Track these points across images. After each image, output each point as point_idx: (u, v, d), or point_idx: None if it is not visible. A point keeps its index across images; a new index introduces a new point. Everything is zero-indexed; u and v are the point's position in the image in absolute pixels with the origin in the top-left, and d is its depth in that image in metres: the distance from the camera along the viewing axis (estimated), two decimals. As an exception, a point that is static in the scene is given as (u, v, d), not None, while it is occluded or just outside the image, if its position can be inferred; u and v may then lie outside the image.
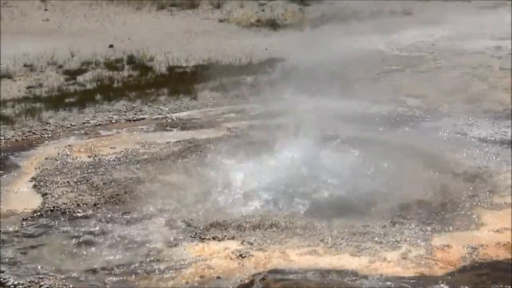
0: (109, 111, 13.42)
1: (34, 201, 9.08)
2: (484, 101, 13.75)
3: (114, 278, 7.17)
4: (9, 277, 7.13)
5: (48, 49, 19.48)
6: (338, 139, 10.25)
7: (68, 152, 10.91)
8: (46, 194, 9.28)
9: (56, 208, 8.80)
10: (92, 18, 25.84)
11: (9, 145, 11.36)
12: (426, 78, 15.69)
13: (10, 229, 8.24)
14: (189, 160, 10.41)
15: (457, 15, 25.05)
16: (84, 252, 7.71)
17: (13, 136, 11.82)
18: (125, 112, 13.38)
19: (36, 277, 7.16)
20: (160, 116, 13.12)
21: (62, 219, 8.51)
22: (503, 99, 13.69)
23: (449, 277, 7.09)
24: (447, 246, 7.71)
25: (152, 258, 7.55)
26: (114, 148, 11.07)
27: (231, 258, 7.52)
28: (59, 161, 10.52)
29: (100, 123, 12.67)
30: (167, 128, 12.31)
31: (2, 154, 10.85)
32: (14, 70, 17.19)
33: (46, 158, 10.65)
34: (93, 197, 9.12)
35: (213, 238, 7.96)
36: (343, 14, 26.11)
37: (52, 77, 16.79)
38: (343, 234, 7.97)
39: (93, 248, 7.82)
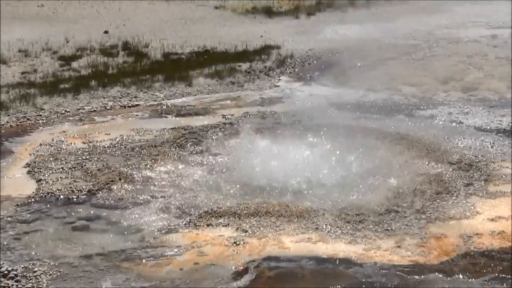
0: (104, 98, 13.40)
1: (29, 187, 9.05)
2: (479, 89, 13.77)
3: (108, 263, 7.15)
4: (3, 263, 7.10)
5: (43, 35, 19.45)
6: (332, 127, 10.20)
7: (63, 138, 10.89)
8: (40, 180, 9.25)
9: (50, 194, 8.77)
10: (87, 4, 25.79)
11: (3, 131, 11.32)
12: (422, 66, 15.69)
13: (4, 214, 8.20)
14: (184, 147, 10.39)
15: (452, 3, 25.07)
16: (78, 238, 7.69)
17: (7, 122, 11.78)
18: (120, 98, 13.36)
19: (30, 263, 7.13)
20: (155, 103, 13.10)
21: (57, 205, 8.48)
22: (499, 88, 13.70)
23: (444, 266, 7.09)
24: (442, 234, 7.70)
25: (146, 244, 7.54)
26: (109, 134, 11.06)
27: (225, 245, 7.50)
28: (53, 147, 10.49)
29: (95, 109, 12.64)
30: (162, 114, 12.29)
31: (-3, 139, 10.83)
32: (9, 56, 17.15)
33: (40, 144, 10.62)
34: (88, 183, 9.09)
35: (208, 225, 7.94)
36: (339, 1, 26.10)
37: (47, 62, 16.75)
38: (338, 222, 7.96)
39: (87, 233, 7.80)
